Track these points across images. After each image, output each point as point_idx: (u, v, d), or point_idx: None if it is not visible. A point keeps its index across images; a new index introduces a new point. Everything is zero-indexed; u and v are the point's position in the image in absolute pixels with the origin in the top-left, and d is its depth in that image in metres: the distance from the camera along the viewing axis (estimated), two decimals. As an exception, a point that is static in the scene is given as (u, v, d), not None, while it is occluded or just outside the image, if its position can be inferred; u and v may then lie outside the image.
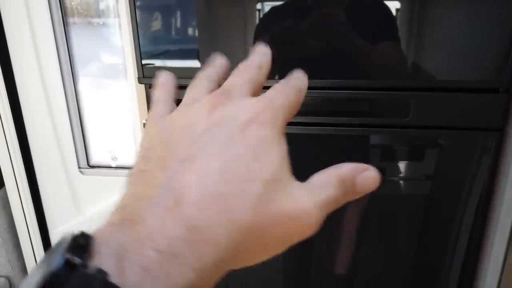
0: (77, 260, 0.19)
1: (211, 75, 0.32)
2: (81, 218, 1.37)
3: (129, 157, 1.37)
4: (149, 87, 0.75)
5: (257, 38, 0.72)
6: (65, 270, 0.19)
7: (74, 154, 1.32)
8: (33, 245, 1.39)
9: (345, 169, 0.26)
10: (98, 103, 1.35)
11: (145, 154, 0.26)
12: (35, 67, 1.22)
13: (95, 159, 1.38)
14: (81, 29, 1.27)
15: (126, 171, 1.33)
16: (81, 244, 0.20)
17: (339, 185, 0.25)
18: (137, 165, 0.26)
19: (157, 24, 0.75)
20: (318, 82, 0.72)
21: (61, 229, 1.39)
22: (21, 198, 1.33)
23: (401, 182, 0.85)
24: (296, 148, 0.32)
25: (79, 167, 1.34)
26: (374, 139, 0.80)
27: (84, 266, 0.19)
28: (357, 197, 0.26)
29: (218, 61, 0.34)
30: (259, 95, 0.27)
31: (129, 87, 1.26)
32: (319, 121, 0.74)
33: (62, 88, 1.26)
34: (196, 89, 0.29)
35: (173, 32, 0.75)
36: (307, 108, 0.74)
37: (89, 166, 1.37)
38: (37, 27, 1.19)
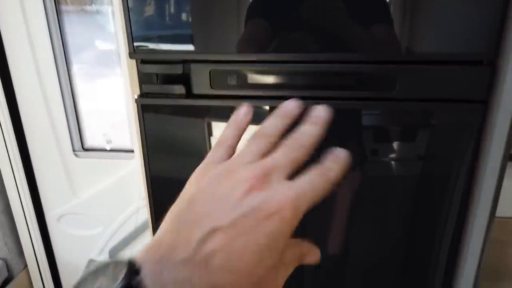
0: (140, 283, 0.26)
1: (232, 140, 0.36)
2: (76, 200, 1.38)
3: (123, 140, 1.38)
4: (140, 62, 0.76)
5: (249, 18, 0.72)
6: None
7: (69, 138, 1.33)
8: (30, 228, 1.41)
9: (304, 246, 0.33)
10: (92, 88, 1.36)
11: (187, 195, 0.32)
12: (29, 55, 1.23)
13: (89, 142, 1.39)
14: (74, 17, 1.27)
15: (120, 153, 1.35)
16: (135, 270, 0.26)
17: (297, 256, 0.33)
18: (180, 203, 0.32)
19: (150, 9, 0.76)
20: (306, 56, 0.73)
21: (57, 211, 1.41)
22: (16, 182, 1.35)
23: (393, 162, 0.86)
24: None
25: (73, 151, 1.35)
26: (366, 119, 0.81)
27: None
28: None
29: (241, 120, 0.37)
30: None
31: (122, 72, 1.27)
32: (307, 94, 0.75)
33: (56, 74, 1.27)
34: (249, 150, 0.32)
35: (166, 17, 0.76)
36: (295, 82, 0.75)
37: (83, 149, 1.38)
38: (30, 15, 1.20)
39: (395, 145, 0.83)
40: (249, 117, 0.37)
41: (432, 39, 0.71)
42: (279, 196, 0.29)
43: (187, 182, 0.34)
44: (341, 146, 0.34)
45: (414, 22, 0.70)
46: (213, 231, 0.27)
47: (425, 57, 0.72)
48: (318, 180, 0.30)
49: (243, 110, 0.37)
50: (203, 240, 0.27)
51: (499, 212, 0.81)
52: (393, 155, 0.84)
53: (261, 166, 0.30)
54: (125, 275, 0.26)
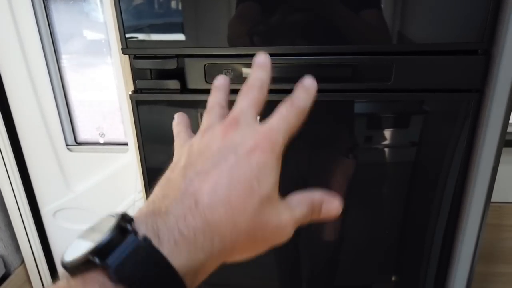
0: (128, 226, 0.26)
1: (221, 101, 0.37)
2: (71, 195, 1.38)
3: (116, 132, 1.37)
4: (133, 58, 0.75)
5: (240, 6, 0.72)
6: (119, 234, 0.25)
7: (61, 132, 1.32)
8: (25, 224, 1.40)
9: (317, 195, 0.34)
10: (83, 80, 1.34)
11: (171, 165, 0.33)
12: (17, 45, 1.20)
13: (82, 136, 1.38)
14: (61, 4, 1.24)
15: (114, 147, 1.34)
16: (127, 218, 0.27)
17: (309, 207, 0.33)
18: (166, 173, 0.33)
19: (142, 3, 0.75)
20: (300, 48, 0.73)
21: (52, 206, 1.40)
22: (10, 178, 1.33)
23: (386, 149, 0.86)
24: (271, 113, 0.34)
25: (66, 145, 1.33)
26: (360, 107, 0.81)
27: (134, 232, 0.25)
28: (320, 218, 0.34)
29: (222, 84, 0.39)
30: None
31: (113, 63, 1.25)
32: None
33: (45, 66, 1.25)
34: (210, 116, 0.35)
35: (156, 5, 0.75)
36: (291, 75, 0.75)
37: (76, 143, 1.37)
38: (16, 3, 1.17)
39: (389, 131, 0.84)
40: (228, 80, 0.39)
41: (427, 29, 0.70)
42: (252, 132, 0.31)
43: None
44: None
45: (409, 12, 0.70)
46: (197, 174, 0.29)
47: (421, 48, 0.72)
48: (288, 110, 0.33)
49: (222, 76, 0.39)
50: (190, 181, 0.29)
51: (493, 197, 0.82)
52: (386, 142, 0.85)
53: (229, 116, 0.33)
54: (117, 222, 0.26)
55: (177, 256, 0.25)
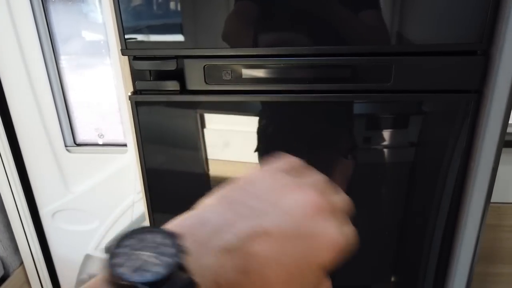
0: (185, 266, 0.24)
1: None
2: (70, 196, 1.38)
3: (115, 133, 1.37)
4: (132, 59, 0.75)
5: (238, 3, 0.72)
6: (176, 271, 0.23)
7: (60, 133, 1.32)
8: (24, 225, 1.40)
9: None
10: (81, 80, 1.34)
11: (248, 189, 0.30)
12: (15, 46, 1.20)
13: (81, 137, 1.38)
14: (60, 5, 1.24)
15: (113, 148, 1.34)
16: (181, 246, 0.24)
17: None
18: (237, 190, 0.30)
19: (141, 4, 0.75)
20: (300, 49, 0.73)
21: (51, 208, 1.40)
22: (9, 180, 1.33)
23: (385, 150, 0.86)
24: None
25: (65, 146, 1.33)
26: (359, 108, 0.81)
27: (187, 272, 0.24)
28: None
29: None
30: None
31: (112, 64, 1.25)
32: (302, 88, 0.75)
33: (44, 67, 1.25)
34: (311, 174, 0.33)
35: (155, 6, 0.75)
36: (290, 76, 0.75)
37: (75, 144, 1.37)
38: (15, 4, 1.16)
39: (388, 132, 0.84)
40: None
41: (426, 30, 0.71)
42: (333, 236, 0.29)
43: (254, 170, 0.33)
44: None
45: (408, 13, 0.70)
46: (264, 233, 0.27)
47: (420, 48, 0.72)
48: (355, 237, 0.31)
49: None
50: (250, 238, 0.26)
51: (492, 198, 0.82)
52: (385, 143, 0.85)
53: (331, 201, 0.31)
54: (169, 245, 0.24)
55: None
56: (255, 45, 0.73)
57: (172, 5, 0.74)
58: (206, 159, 0.87)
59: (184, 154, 0.89)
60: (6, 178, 1.33)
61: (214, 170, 0.89)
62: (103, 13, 1.23)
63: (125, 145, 1.31)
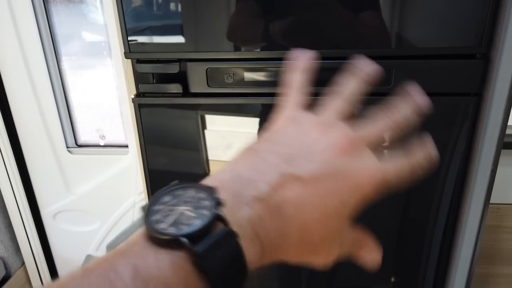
0: (223, 217, 0.24)
1: (346, 95, 0.34)
2: (72, 197, 1.38)
3: (116, 134, 1.37)
4: (136, 62, 0.75)
5: (239, 11, 0.72)
6: (213, 221, 0.24)
7: (62, 134, 1.32)
8: (26, 226, 1.40)
9: (366, 240, 0.34)
10: (83, 82, 1.34)
11: (274, 138, 0.30)
12: (17, 47, 1.20)
13: (83, 138, 1.38)
14: (61, 7, 1.25)
15: (114, 149, 1.34)
16: (217, 199, 0.25)
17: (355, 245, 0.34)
18: (263, 141, 0.30)
19: (143, 6, 0.75)
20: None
21: (52, 208, 1.40)
22: (11, 180, 1.33)
23: (385, 152, 0.87)
24: None
25: (67, 147, 1.34)
26: (359, 111, 0.82)
27: (225, 223, 0.24)
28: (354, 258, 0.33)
29: (359, 75, 0.35)
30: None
31: (114, 65, 1.26)
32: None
33: (46, 68, 1.25)
34: (332, 105, 0.32)
35: (158, 10, 0.75)
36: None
37: (77, 145, 1.37)
38: (16, 5, 1.17)
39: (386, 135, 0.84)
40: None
41: (426, 34, 0.71)
42: (369, 171, 0.28)
43: (272, 122, 0.33)
44: None
45: (408, 16, 0.71)
46: (293, 179, 0.27)
47: (420, 52, 0.72)
48: (405, 170, 0.30)
49: (305, 54, 0.37)
50: (282, 184, 0.26)
51: (492, 199, 0.83)
52: (383, 145, 0.85)
53: (357, 134, 0.30)
54: (205, 199, 0.25)
55: (249, 253, 0.24)
56: (257, 48, 0.74)
57: (174, 8, 0.75)
58: (207, 160, 0.88)
59: (185, 155, 0.90)
60: (8, 179, 1.33)
61: (215, 171, 0.89)
62: (104, 14, 1.23)
63: (126, 146, 1.31)
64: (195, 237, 0.23)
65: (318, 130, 0.30)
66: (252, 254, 0.24)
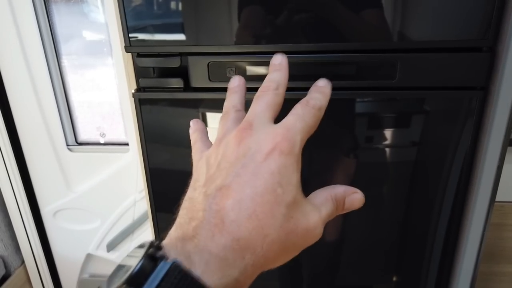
0: (158, 254, 0.25)
1: (236, 104, 0.37)
2: (72, 195, 1.37)
3: (116, 132, 1.37)
4: (136, 56, 0.74)
5: (242, 7, 0.71)
6: (151, 262, 0.25)
7: (62, 132, 1.31)
8: (25, 225, 1.39)
9: (339, 190, 0.33)
10: (83, 80, 1.34)
11: (192, 183, 0.32)
12: (18, 46, 1.20)
13: (83, 136, 1.38)
14: (61, 5, 1.24)
15: (115, 147, 1.34)
16: (157, 246, 0.27)
17: (334, 203, 0.32)
18: (188, 192, 0.32)
19: (144, 2, 0.75)
20: (304, 46, 0.73)
21: (52, 207, 1.39)
22: (10, 178, 1.33)
23: (388, 149, 0.86)
24: (284, 113, 0.33)
25: (67, 145, 1.33)
26: (363, 106, 0.81)
27: (165, 258, 0.25)
28: (344, 212, 0.34)
29: (238, 85, 0.38)
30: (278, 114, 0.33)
31: (115, 63, 1.25)
32: (306, 85, 0.75)
33: (46, 66, 1.25)
34: (225, 122, 0.34)
35: (159, 3, 0.74)
36: (295, 73, 0.75)
37: (77, 143, 1.37)
38: (17, 4, 1.16)
39: (391, 130, 0.83)
40: (244, 81, 0.39)
41: (431, 27, 0.70)
42: (268, 135, 0.30)
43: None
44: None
45: (413, 9, 0.70)
46: (219, 190, 0.28)
47: (425, 45, 0.71)
48: (304, 110, 0.32)
49: (237, 77, 0.40)
50: (213, 198, 0.28)
51: (496, 197, 0.82)
52: (388, 141, 0.85)
53: (243, 121, 0.32)
54: (147, 250, 0.26)
55: (210, 275, 0.25)
56: (260, 42, 0.73)
57: (175, 2, 0.74)
58: (209, 157, 0.87)
59: (187, 152, 0.88)
60: (8, 177, 1.32)
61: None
62: (105, 13, 1.23)
63: (126, 144, 1.31)
64: (138, 282, 0.24)
65: (220, 145, 0.32)
66: (218, 277, 0.26)
